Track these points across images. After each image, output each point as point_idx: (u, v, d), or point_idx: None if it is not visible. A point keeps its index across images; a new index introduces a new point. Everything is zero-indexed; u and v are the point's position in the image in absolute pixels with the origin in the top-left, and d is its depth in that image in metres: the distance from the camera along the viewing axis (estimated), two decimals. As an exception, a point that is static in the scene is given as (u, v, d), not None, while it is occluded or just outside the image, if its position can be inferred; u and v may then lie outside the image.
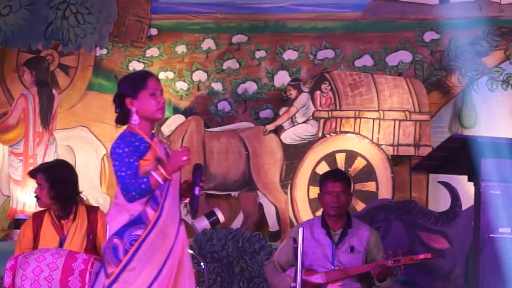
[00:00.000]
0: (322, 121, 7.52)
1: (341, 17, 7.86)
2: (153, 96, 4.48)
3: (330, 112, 7.54)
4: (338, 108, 7.53)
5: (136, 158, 4.38)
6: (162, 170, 4.35)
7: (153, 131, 4.55)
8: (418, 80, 7.61)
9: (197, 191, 4.44)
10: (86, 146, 7.96)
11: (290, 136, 7.57)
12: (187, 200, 4.55)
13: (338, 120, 7.52)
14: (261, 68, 7.91)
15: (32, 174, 5.67)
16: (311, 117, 7.53)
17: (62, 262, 5.21)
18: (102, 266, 4.42)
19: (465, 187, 6.63)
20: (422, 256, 5.59)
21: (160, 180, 4.35)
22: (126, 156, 4.38)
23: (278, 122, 7.61)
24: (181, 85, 7.97)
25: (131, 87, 4.56)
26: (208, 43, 7.99)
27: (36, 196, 5.57)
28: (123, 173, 4.35)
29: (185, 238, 4.48)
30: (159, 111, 4.48)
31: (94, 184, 7.62)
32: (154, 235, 4.34)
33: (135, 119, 4.49)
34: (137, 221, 4.38)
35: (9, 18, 7.72)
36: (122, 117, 4.57)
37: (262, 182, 7.62)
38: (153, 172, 4.34)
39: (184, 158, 4.37)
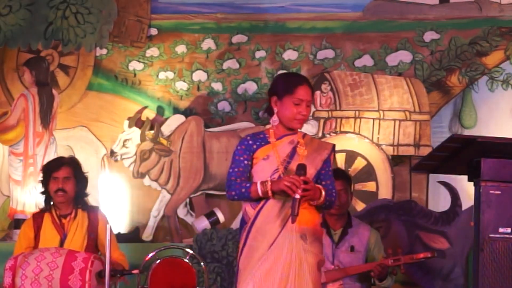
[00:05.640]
0: (322, 121, 7.52)
1: (341, 17, 7.86)
2: (296, 106, 4.42)
3: (330, 112, 7.54)
4: (338, 108, 7.53)
5: (247, 156, 4.40)
6: (268, 184, 4.29)
7: (293, 130, 4.46)
8: (418, 80, 7.61)
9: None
10: (86, 146, 7.95)
11: (290, 136, 7.57)
12: (317, 202, 4.37)
13: (338, 120, 7.52)
14: (261, 68, 7.91)
15: (56, 166, 5.65)
16: (311, 117, 7.52)
17: (62, 261, 5.22)
18: None
19: (465, 187, 6.65)
20: (422, 255, 5.60)
21: (260, 192, 4.31)
22: (237, 154, 4.43)
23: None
24: (181, 85, 7.97)
25: (280, 88, 4.49)
26: (208, 43, 7.99)
27: (61, 189, 5.57)
28: (230, 170, 4.41)
29: (298, 241, 4.30)
30: (297, 121, 4.43)
31: (94, 184, 7.62)
32: (252, 236, 4.32)
33: (274, 120, 4.51)
34: (242, 220, 4.42)
35: (9, 18, 7.71)
36: (269, 109, 4.54)
37: (262, 182, 7.61)
38: (259, 182, 4.31)
39: (286, 183, 4.23)
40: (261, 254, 4.28)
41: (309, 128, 7.51)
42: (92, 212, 5.69)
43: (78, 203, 5.66)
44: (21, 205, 7.80)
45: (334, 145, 4.59)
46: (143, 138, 7.75)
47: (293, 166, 4.35)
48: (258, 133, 4.56)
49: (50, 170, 5.65)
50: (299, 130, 4.56)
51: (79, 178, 5.68)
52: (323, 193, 4.36)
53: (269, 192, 4.29)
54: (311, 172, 4.37)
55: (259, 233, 4.30)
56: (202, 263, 6.26)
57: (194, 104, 7.94)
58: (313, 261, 4.33)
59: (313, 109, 7.53)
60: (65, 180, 5.59)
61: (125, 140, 7.79)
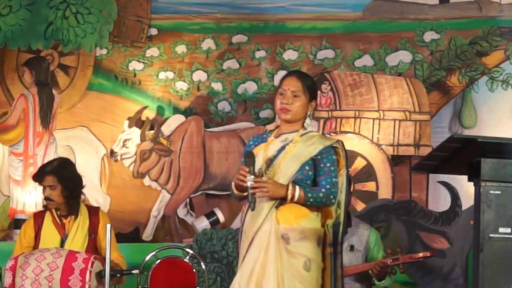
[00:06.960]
0: (322, 121, 7.52)
1: (341, 17, 7.87)
2: (280, 96, 4.38)
3: (330, 112, 7.54)
4: (338, 108, 7.53)
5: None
6: (233, 181, 4.28)
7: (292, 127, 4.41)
8: (418, 80, 7.61)
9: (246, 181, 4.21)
10: (86, 146, 7.96)
11: (290, 136, 7.56)
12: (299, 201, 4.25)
13: (338, 120, 7.52)
14: (261, 68, 7.92)
15: (39, 177, 5.62)
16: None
17: (62, 261, 5.22)
18: None
19: (465, 187, 6.64)
20: (421, 255, 5.60)
21: (234, 189, 4.32)
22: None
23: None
24: (181, 85, 7.97)
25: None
26: (208, 43, 7.99)
27: (47, 198, 5.53)
28: None
29: (279, 241, 4.21)
30: (281, 111, 4.38)
31: (94, 184, 7.62)
32: (241, 238, 4.32)
33: (277, 116, 4.50)
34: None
35: (9, 18, 7.71)
36: None
37: (262, 182, 7.61)
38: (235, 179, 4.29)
39: (237, 177, 4.23)
40: (243, 256, 4.27)
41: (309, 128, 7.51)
42: (92, 212, 5.68)
43: (72, 205, 5.60)
44: (21, 205, 7.80)
45: (337, 141, 4.55)
46: (143, 138, 7.76)
47: (276, 163, 4.30)
48: (263, 133, 4.56)
49: (35, 181, 5.64)
50: (305, 129, 4.51)
51: (66, 182, 5.56)
52: (293, 192, 4.20)
53: (233, 189, 4.31)
54: (294, 166, 4.29)
55: (244, 234, 4.30)
56: (202, 263, 6.26)
57: (194, 104, 7.94)
58: (296, 262, 4.21)
59: (313, 109, 7.53)
60: (50, 189, 5.54)
61: (125, 140, 7.80)
